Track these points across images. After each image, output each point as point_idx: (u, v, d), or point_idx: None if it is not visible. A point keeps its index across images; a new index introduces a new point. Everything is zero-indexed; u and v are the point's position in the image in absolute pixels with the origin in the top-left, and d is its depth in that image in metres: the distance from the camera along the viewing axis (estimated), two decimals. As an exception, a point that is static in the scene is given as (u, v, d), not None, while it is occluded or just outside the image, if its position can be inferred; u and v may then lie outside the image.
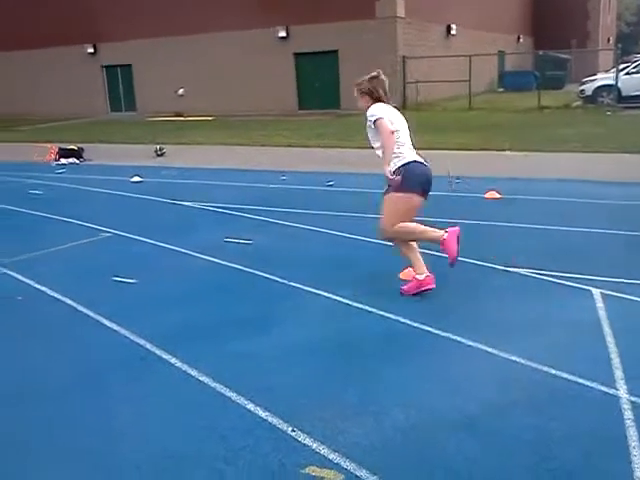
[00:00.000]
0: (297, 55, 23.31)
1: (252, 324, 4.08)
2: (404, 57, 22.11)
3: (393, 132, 4.22)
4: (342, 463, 2.57)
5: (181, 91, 24.50)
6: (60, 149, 12.75)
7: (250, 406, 3.05)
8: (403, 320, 3.97)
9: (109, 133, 17.84)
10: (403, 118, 4.46)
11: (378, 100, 4.37)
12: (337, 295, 4.44)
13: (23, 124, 22.57)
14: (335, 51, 22.51)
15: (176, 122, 21.45)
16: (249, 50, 23.41)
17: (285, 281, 4.80)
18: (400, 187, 4.23)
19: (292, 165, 10.64)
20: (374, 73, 4.45)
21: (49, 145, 13.70)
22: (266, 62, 23.34)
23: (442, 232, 4.30)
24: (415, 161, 4.30)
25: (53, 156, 12.66)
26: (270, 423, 2.90)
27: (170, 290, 4.80)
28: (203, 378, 3.35)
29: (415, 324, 3.91)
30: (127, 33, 25.17)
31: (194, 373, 3.41)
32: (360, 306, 4.24)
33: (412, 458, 2.61)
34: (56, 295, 4.74)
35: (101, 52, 26.85)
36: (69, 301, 4.59)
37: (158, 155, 12.56)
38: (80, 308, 4.45)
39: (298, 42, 22.95)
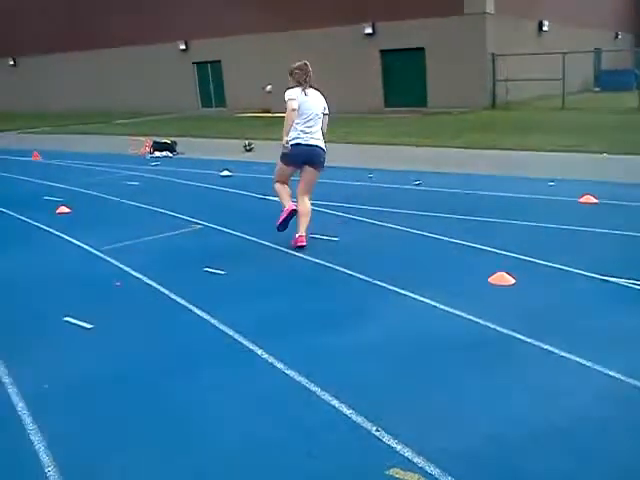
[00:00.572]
0: (383, 52, 23.18)
1: (336, 320, 4.11)
2: (493, 54, 21.54)
3: (293, 110, 5.58)
4: (427, 468, 2.54)
5: (269, 88, 24.86)
6: (154, 142, 13.27)
7: (334, 402, 3.07)
8: (492, 326, 3.88)
9: (200, 128, 18.39)
10: (319, 103, 5.80)
11: (299, 84, 5.70)
12: (423, 296, 4.40)
13: (120, 118, 23.65)
14: (422, 48, 22.22)
15: (264, 118, 21.84)
16: (335, 47, 23.47)
17: (370, 279, 4.80)
18: (280, 158, 5.87)
19: (378, 163, 10.62)
20: (300, 63, 5.85)
21: (144, 138, 14.28)
22: (352, 59, 23.35)
23: (288, 205, 5.82)
24: (298, 144, 5.67)
25: (148, 149, 13.20)
26: (354, 421, 2.91)
27: (257, 282, 4.91)
28: (289, 371, 3.40)
29: (505, 330, 3.81)
30: (217, 30, 25.81)
31: (280, 366, 3.47)
32: (447, 309, 4.18)
33: (500, 469, 2.55)
34: (151, 282, 4.95)
35: (192, 49, 27.67)
36: (163, 289, 4.79)
37: (247, 150, 12.83)
38: (173, 296, 4.62)
39: (384, 39, 22.81)
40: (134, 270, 5.26)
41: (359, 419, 2.92)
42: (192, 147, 13.69)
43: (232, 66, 26.42)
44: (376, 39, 23.09)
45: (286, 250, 5.69)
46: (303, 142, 5.69)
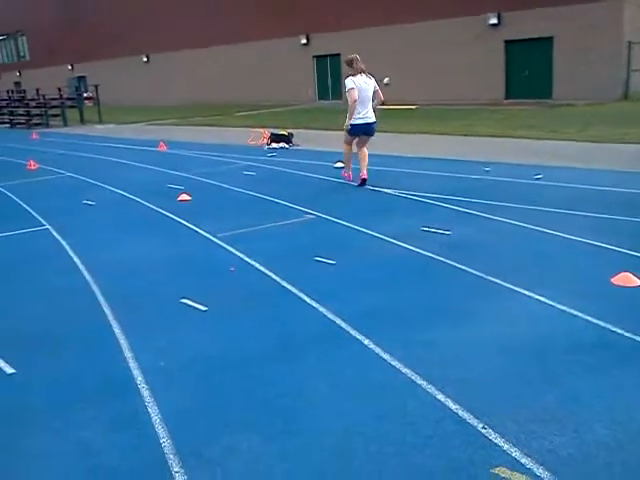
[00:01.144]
0: (508, 42, 22.34)
1: (446, 315, 4.03)
2: (630, 42, 20.13)
3: (355, 101, 7.75)
4: (535, 470, 2.44)
5: (386, 80, 24.72)
6: (272, 134, 13.60)
7: (440, 396, 3.02)
8: (613, 328, 3.64)
9: (316, 120, 18.65)
10: (370, 87, 7.83)
11: (355, 71, 7.73)
12: (538, 294, 4.21)
13: (240, 110, 24.48)
14: (550, 38, 21.17)
15: (380, 110, 21.77)
16: (457, 38, 22.94)
17: (483, 275, 4.66)
18: (348, 132, 8.20)
19: (496, 156, 10.27)
20: (353, 55, 7.81)
21: (262, 130, 14.69)
22: (474, 50, 22.71)
23: (348, 174, 8.48)
24: (360, 123, 7.98)
25: (265, 140, 13.56)
26: (460, 417, 2.84)
27: (367, 274, 4.91)
28: (395, 363, 3.38)
29: (627, 334, 3.56)
30: (338, 24, 26.04)
31: (386, 357, 3.46)
32: (564, 308, 3.97)
33: (613, 477, 2.39)
34: (263, 269, 5.09)
35: (313, 43, 28.09)
36: (274, 276, 4.91)
37: (361, 142, 12.84)
38: (284, 283, 4.73)
39: (510, 29, 21.97)
40: (248, 257, 5.44)
41: (465, 415, 2.85)
42: (308, 139, 13.92)
43: (350, 59, 26.53)
44: (501, 29, 22.29)
45: (398, 243, 5.65)
46: (361, 121, 7.94)
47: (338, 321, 3.97)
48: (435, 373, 3.24)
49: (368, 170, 8.43)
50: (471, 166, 9.49)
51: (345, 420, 2.90)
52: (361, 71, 7.76)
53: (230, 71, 30.87)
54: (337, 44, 26.61)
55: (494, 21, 22.33)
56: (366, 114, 7.88)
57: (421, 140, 13.33)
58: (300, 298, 4.42)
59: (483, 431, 2.72)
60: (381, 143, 12.78)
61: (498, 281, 4.52)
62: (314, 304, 4.28)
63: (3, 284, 5.22)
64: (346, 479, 2.51)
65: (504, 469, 2.46)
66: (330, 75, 28.24)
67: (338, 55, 27.17)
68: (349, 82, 7.69)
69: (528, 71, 22.13)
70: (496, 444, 2.62)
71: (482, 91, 22.36)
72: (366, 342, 3.66)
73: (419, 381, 3.17)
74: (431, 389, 3.09)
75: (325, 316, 4.08)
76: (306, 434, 2.81)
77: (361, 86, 7.70)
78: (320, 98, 28.51)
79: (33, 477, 2.64)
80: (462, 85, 22.89)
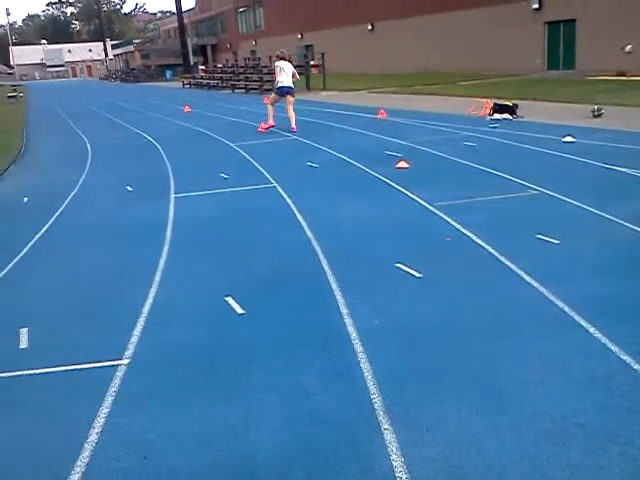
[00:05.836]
0: None
1: (689, 312, 3.57)
2: None
3: (276, 70, 13.12)
4: None
5: (629, 48, 22.35)
6: (495, 104, 13.06)
7: (679, 401, 2.70)
8: None
9: (543, 91, 17.49)
10: (289, 66, 12.89)
11: (282, 59, 12.94)
12: None
13: (462, 79, 23.86)
14: None
15: (618, 81, 19.78)
16: None
17: None
18: (275, 93, 13.30)
19: None
20: (278, 52, 13.18)
21: (485, 100, 14.17)
22: None
23: (271, 122, 13.28)
24: (282, 86, 12.90)
25: (488, 111, 13.07)
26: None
27: (595, 257, 4.53)
28: (625, 357, 3.09)
29: None
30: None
31: (614, 348, 3.17)
32: None
33: None
34: (480, 242, 4.95)
35: (546, 7, 26.22)
36: (491, 249, 4.75)
37: (595, 116, 11.81)
38: (501, 258, 4.55)
39: None
40: (464, 228, 5.32)
41: None
42: (533, 110, 13.13)
43: (587, 25, 24.34)
44: None
45: (631, 226, 5.13)
46: (283, 85, 12.80)
47: (560, 304, 3.73)
48: (675, 376, 2.90)
49: (609, 149, 7.65)
50: None
51: (563, 407, 2.72)
52: (282, 58, 12.87)
53: (453, 39, 30.11)
54: (574, 9, 24.54)
55: None
56: (287, 82, 12.82)
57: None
58: (519, 275, 4.22)
59: None
60: (618, 118, 11.65)
61: None
62: (534, 283, 4.06)
63: (237, 233, 5.72)
64: (561, 468, 2.36)
65: None
66: (563, 43, 26.20)
67: (573, 21, 25.09)
68: (277, 64, 12.97)
69: None
70: None
71: None
72: (591, 330, 3.39)
73: (653, 380, 2.87)
74: (668, 391, 2.77)
75: (546, 297, 3.85)
76: (519, 414, 2.70)
77: (282, 66, 12.84)
78: (549, 68, 26.64)
79: (257, 409, 2.87)
80: None
